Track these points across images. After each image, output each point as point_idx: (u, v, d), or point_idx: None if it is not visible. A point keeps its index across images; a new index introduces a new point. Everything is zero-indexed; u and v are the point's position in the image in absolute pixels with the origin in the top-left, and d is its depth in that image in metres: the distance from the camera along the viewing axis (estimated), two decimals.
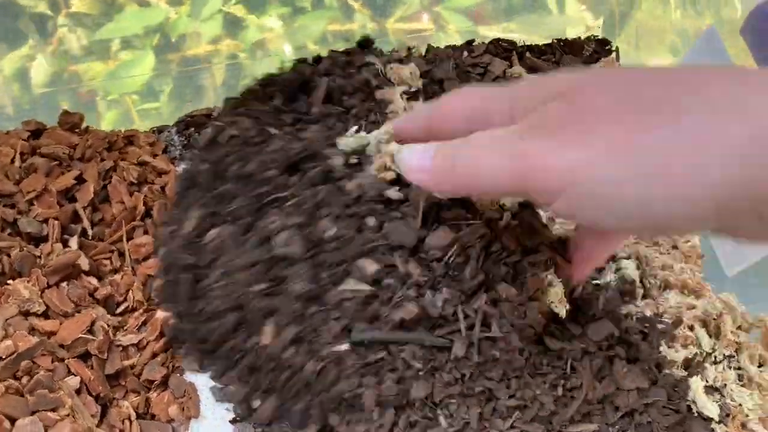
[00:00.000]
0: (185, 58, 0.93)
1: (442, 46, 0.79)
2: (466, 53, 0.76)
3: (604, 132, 0.32)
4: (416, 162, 0.44)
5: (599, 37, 0.85)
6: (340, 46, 0.73)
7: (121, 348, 0.59)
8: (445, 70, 0.70)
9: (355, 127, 0.56)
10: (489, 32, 0.95)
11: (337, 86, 0.65)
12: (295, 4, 0.93)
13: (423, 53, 0.77)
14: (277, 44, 0.92)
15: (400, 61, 0.70)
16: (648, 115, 0.31)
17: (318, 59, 0.70)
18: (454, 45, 0.79)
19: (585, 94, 0.34)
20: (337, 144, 0.54)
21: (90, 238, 0.65)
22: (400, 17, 0.97)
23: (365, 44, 0.75)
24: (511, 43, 0.81)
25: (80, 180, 0.68)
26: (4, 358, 0.54)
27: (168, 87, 0.91)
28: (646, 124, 0.31)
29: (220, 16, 0.91)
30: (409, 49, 0.76)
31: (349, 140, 0.53)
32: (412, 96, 0.68)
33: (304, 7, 0.95)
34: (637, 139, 0.31)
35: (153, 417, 0.57)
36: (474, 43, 0.79)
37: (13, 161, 0.68)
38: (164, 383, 0.58)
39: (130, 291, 0.63)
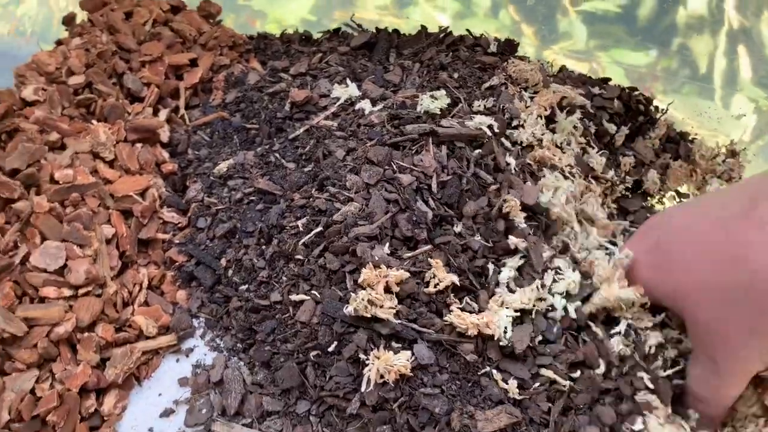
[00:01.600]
0: (347, 16, 0.95)
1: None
2: (597, 88, 0.73)
3: None
4: None
5: (738, 149, 0.77)
6: None
7: (161, 221, 0.61)
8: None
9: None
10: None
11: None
12: (471, 5, 0.93)
13: (556, 72, 0.75)
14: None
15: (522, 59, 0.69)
16: None
17: None
18: (590, 77, 0.76)
19: None
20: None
21: (179, 116, 0.68)
22: (562, 48, 0.95)
23: (509, 48, 0.74)
24: (648, 100, 0.77)
25: (193, 63, 0.71)
26: (60, 183, 0.57)
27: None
28: None
29: None
30: (542, 63, 0.74)
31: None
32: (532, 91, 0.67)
33: (476, 12, 0.95)
34: None
35: (162, 294, 0.59)
36: (610, 82, 0.76)
37: (145, 24, 0.72)
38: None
39: None
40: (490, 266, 0.53)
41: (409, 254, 0.52)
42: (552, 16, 0.92)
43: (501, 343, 0.50)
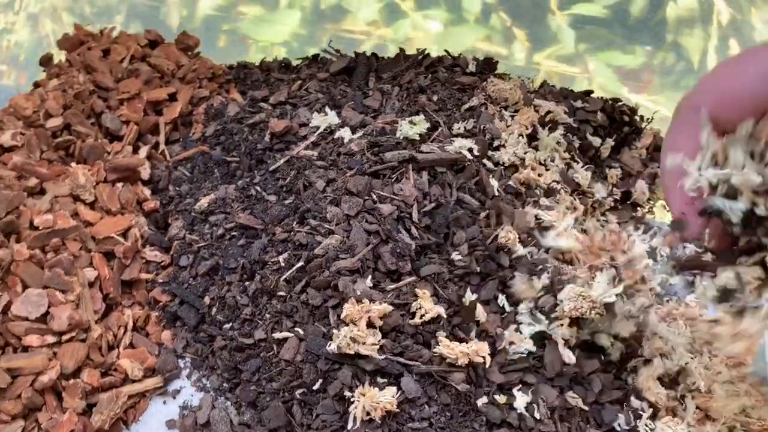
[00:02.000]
0: (337, 30, 0.95)
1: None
2: (580, 102, 0.73)
3: None
4: None
5: None
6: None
7: (144, 261, 0.61)
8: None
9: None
10: (635, 98, 0.90)
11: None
12: (461, 12, 0.93)
13: (537, 87, 0.74)
14: (425, 43, 0.92)
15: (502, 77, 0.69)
16: None
17: None
18: (572, 90, 0.76)
19: None
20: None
21: (159, 153, 0.68)
22: (551, 54, 0.95)
23: (488, 67, 0.73)
24: (632, 110, 0.76)
25: (172, 98, 0.71)
26: (40, 229, 0.57)
27: (314, 50, 0.93)
28: None
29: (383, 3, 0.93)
30: (522, 80, 0.74)
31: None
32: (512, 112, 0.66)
33: (467, 19, 0.95)
34: None
35: (147, 335, 0.58)
36: (592, 94, 0.75)
37: (122, 61, 0.72)
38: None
39: None
40: (498, 294, 0.53)
41: (393, 286, 0.52)
42: (542, 20, 0.92)
43: (509, 357, 0.51)
